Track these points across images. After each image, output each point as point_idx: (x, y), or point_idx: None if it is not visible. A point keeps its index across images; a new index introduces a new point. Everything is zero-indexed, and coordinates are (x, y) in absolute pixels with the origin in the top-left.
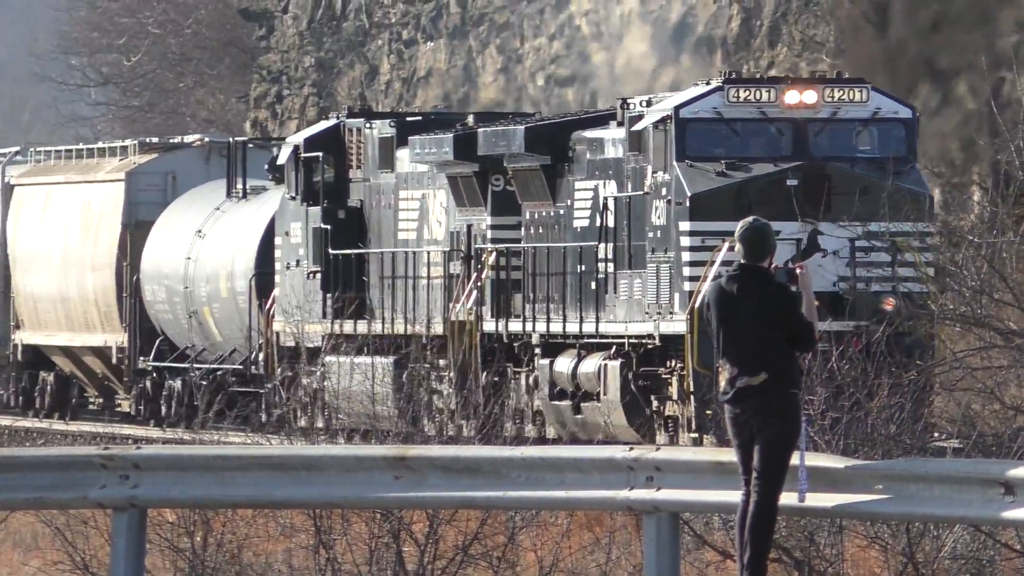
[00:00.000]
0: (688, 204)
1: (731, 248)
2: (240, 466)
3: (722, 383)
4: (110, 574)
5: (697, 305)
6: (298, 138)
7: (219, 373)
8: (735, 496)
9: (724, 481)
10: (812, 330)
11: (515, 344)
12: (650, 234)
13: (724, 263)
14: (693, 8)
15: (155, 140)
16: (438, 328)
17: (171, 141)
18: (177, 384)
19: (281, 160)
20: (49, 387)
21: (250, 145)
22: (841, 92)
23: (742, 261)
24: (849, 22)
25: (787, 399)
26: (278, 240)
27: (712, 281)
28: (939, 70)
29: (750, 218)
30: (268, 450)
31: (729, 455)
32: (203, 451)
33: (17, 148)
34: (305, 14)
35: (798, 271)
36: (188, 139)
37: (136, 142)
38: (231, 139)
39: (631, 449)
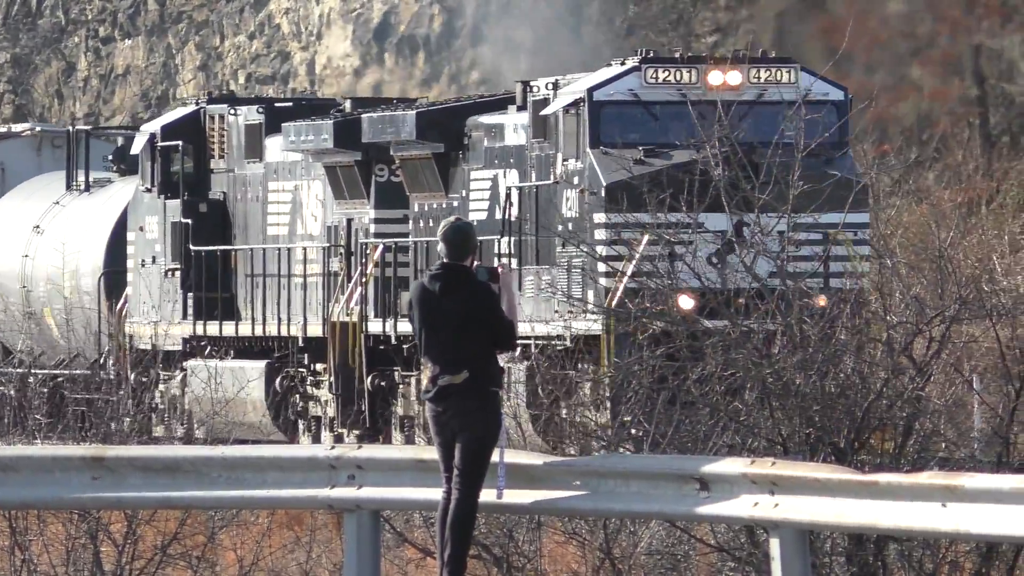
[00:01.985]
0: (603, 194)
1: (652, 242)
2: None
3: (424, 381)
4: None
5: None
6: (154, 126)
7: (60, 379)
8: (436, 494)
9: (425, 479)
10: (513, 329)
11: (404, 346)
12: (560, 227)
13: (645, 258)
14: (396, 7)
15: None
16: (316, 329)
17: None
18: (11, 391)
19: (135, 150)
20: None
21: (94, 135)
22: (768, 72)
23: (444, 260)
24: (545, 24)
25: (488, 398)
26: (131, 236)
27: (414, 280)
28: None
29: (452, 217)
30: None
31: (430, 453)
32: None
33: None
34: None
35: (500, 270)
36: (16, 128)
37: None
38: (70, 128)
39: (333, 447)
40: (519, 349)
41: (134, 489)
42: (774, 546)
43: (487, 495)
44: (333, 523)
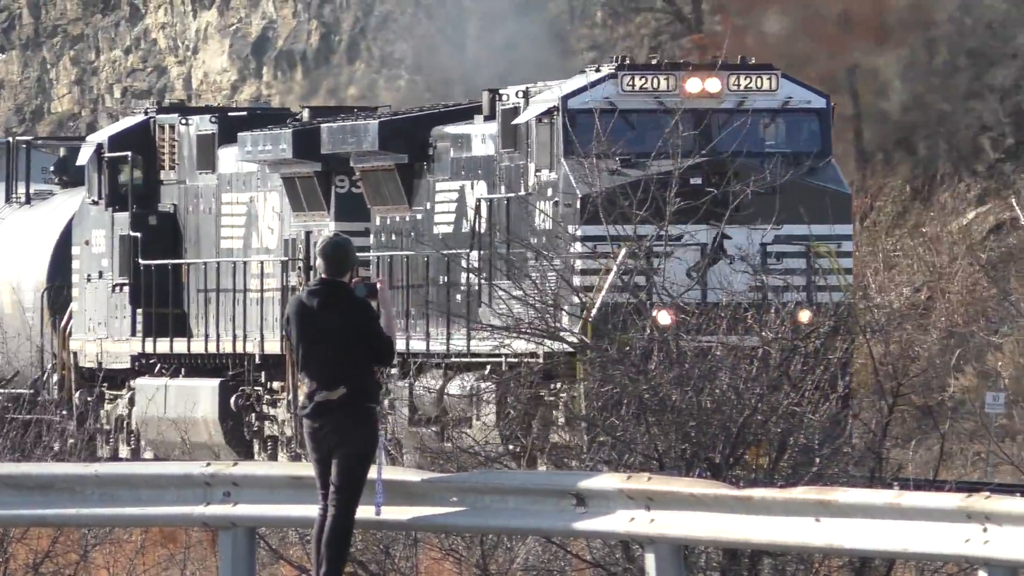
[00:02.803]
0: (578, 206)
1: (630, 254)
2: None
3: (301, 397)
4: None
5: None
6: (101, 136)
7: None
8: (312, 511)
9: (301, 496)
10: (391, 345)
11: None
12: (532, 240)
13: (622, 271)
14: (274, 22)
15: None
16: (274, 347)
17: None
18: None
19: (81, 160)
20: None
21: (34, 145)
22: (748, 80)
23: (323, 276)
24: (425, 40)
25: (365, 413)
26: (76, 250)
27: (292, 295)
28: (510, 83)
29: (330, 233)
30: None
31: (306, 469)
32: None
33: None
34: None
35: (378, 286)
36: None
37: None
38: (9, 138)
39: (208, 464)
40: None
41: (6, 507)
42: (649, 561)
43: (364, 511)
44: (208, 540)
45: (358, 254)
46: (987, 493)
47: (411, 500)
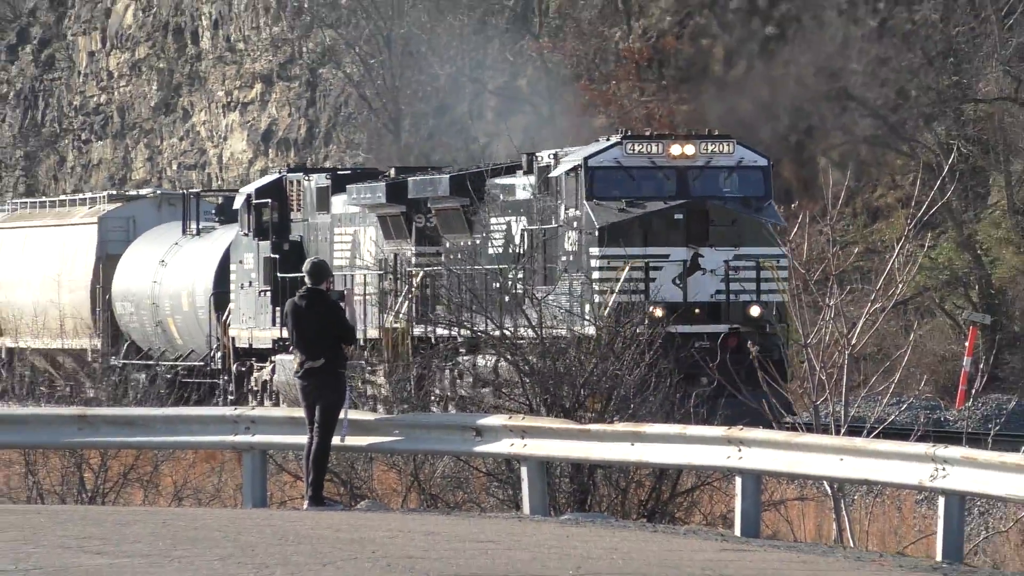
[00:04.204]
0: (597, 234)
1: (634, 268)
2: None
3: (295, 366)
4: None
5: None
6: (250, 188)
7: (178, 369)
8: (303, 439)
9: (297, 429)
10: (352, 331)
11: (440, 345)
12: (563, 258)
13: (628, 280)
14: (275, 120)
15: (117, 193)
16: (373, 333)
17: (130, 193)
18: (143, 376)
19: (236, 206)
20: (25, 379)
21: (201, 196)
22: (713, 145)
23: (309, 285)
24: (375, 131)
25: (337, 376)
26: (233, 267)
27: (289, 299)
28: (434, 162)
29: (313, 257)
30: None
31: (300, 413)
32: None
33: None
34: (16, 122)
35: (346, 293)
36: (143, 192)
37: (105, 194)
38: (185, 191)
39: (236, 408)
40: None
41: (106, 436)
42: (523, 472)
43: (336, 440)
44: (236, 459)
45: (430, 268)
46: (741, 426)
47: (368, 432)
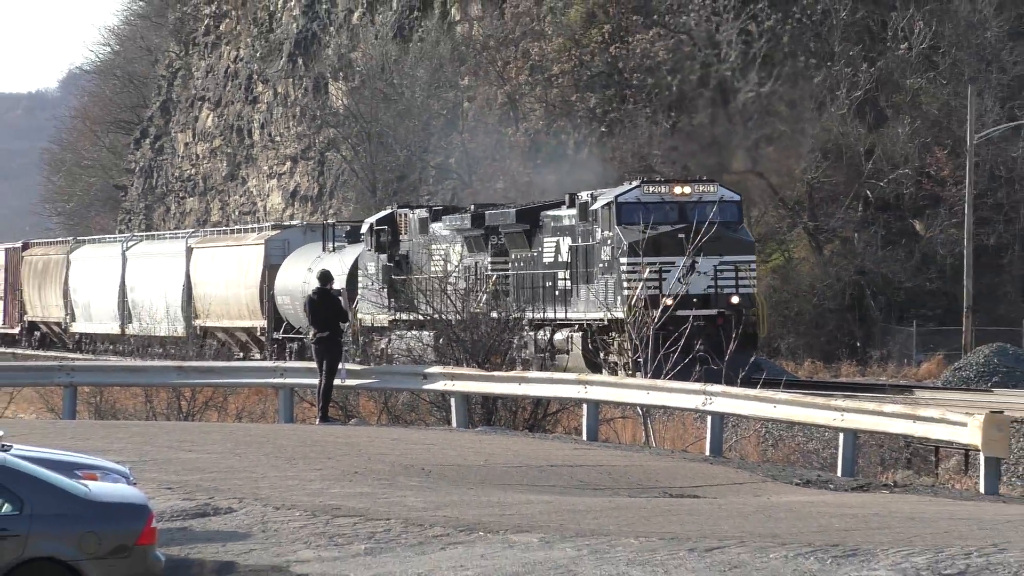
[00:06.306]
0: (626, 248)
1: (652, 271)
2: (109, 369)
3: (311, 336)
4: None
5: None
6: (372, 219)
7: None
8: (316, 381)
9: (312, 375)
10: (347, 314)
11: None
12: (600, 265)
13: (647, 279)
14: (299, 184)
15: (275, 223)
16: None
17: (284, 224)
18: (295, 346)
19: (363, 231)
20: (215, 348)
21: (335, 224)
22: (703, 187)
23: (319, 285)
24: (360, 191)
25: (337, 343)
26: (360, 272)
27: (305, 296)
28: (408, 206)
29: (321, 267)
30: (125, 363)
31: (314, 365)
32: (112, 363)
33: (193, 229)
34: (140, 186)
35: (345, 292)
36: (293, 223)
37: (268, 224)
38: (324, 222)
39: (274, 361)
40: (351, 325)
41: (195, 378)
42: (452, 402)
43: (337, 382)
44: (274, 394)
45: (498, 274)
46: (588, 373)
47: (358, 376)
